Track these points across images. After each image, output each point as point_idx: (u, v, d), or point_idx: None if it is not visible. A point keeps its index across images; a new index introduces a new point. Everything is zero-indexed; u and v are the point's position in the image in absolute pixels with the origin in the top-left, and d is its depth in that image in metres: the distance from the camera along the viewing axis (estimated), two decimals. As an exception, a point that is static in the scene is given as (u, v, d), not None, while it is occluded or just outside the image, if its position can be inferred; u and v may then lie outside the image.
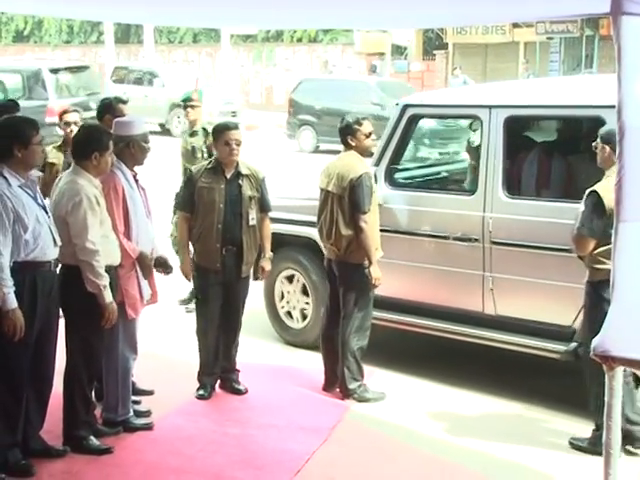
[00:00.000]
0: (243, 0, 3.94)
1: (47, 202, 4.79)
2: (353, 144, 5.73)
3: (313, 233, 6.36)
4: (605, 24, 25.01)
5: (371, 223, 5.67)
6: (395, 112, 6.39)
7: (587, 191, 4.89)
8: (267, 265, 5.93)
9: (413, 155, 7.42)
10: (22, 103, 8.31)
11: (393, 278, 6.00)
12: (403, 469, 4.96)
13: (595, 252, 4.84)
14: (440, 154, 9.45)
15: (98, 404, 5.26)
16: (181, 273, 5.81)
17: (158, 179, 9.44)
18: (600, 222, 4.74)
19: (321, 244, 6.11)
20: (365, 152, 5.88)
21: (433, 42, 32.72)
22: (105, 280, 4.72)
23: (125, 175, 5.12)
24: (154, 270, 5.29)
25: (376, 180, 5.96)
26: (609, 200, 4.75)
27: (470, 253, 5.91)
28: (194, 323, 5.99)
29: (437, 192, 6.41)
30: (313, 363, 6.37)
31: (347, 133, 5.74)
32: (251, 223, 5.71)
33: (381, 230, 5.85)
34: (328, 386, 6.03)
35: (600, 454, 4.90)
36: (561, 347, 5.56)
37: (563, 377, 5.89)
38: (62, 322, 4.90)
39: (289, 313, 6.96)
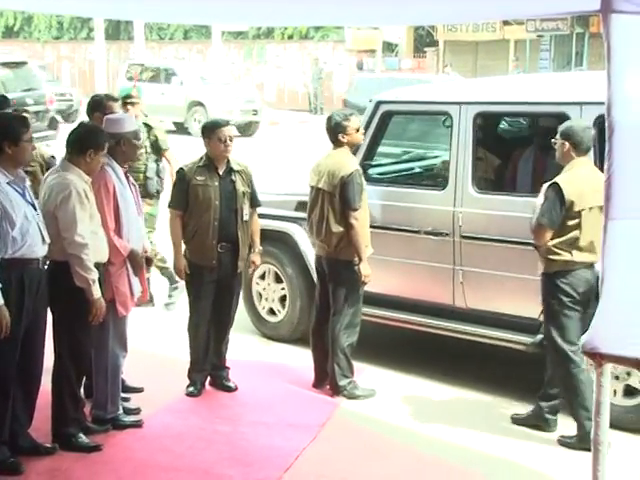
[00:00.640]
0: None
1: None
2: (345, 140, 5.74)
3: (290, 228, 6.54)
4: (595, 22, 25.10)
5: (361, 220, 5.68)
6: (369, 108, 6.46)
7: (547, 184, 5.04)
8: (257, 259, 5.96)
9: (387, 150, 7.50)
10: None
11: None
12: (393, 466, 4.96)
13: (551, 243, 4.99)
14: (413, 150, 9.52)
15: (87, 401, 5.25)
16: (174, 271, 5.80)
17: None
18: (559, 213, 4.92)
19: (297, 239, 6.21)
20: (355, 147, 5.91)
21: (424, 39, 32.77)
22: (94, 275, 4.71)
23: (116, 172, 5.10)
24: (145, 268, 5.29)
25: None
26: (569, 192, 4.90)
27: (441, 247, 6.00)
28: (184, 320, 5.98)
29: (409, 187, 6.48)
30: (303, 360, 6.37)
31: (338, 131, 5.74)
32: (245, 219, 5.74)
33: None
34: (318, 383, 6.03)
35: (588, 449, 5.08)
36: (528, 339, 5.65)
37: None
38: (50, 319, 4.88)
39: (271, 309, 7.01)
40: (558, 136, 5.07)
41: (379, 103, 6.42)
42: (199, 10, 5.01)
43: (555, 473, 4.88)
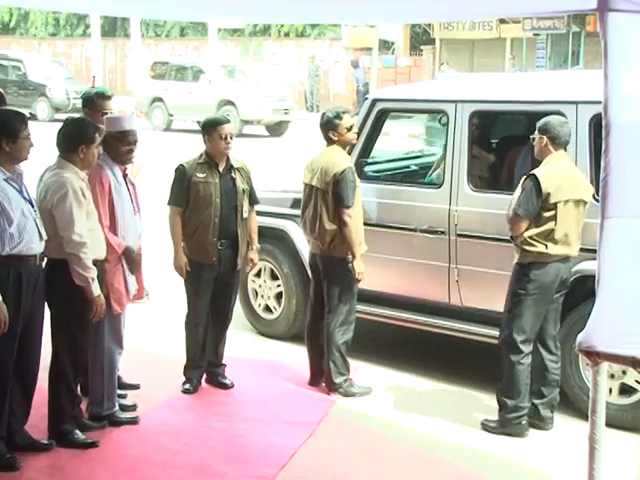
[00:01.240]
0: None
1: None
2: (335, 138, 5.74)
3: (285, 225, 6.58)
4: (592, 21, 25.12)
5: (355, 217, 5.69)
6: (364, 106, 6.48)
7: (524, 176, 5.15)
8: (255, 257, 5.95)
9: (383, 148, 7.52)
10: None
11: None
12: (389, 463, 4.97)
13: (527, 234, 5.09)
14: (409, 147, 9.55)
15: (83, 398, 5.25)
16: (174, 268, 5.79)
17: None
18: (536, 204, 5.03)
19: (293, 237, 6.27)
20: (347, 145, 5.92)
21: (420, 37, 32.75)
22: (93, 273, 4.71)
23: (112, 170, 5.10)
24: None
25: None
26: (546, 185, 5.02)
27: (436, 245, 6.01)
28: (181, 317, 5.98)
29: (405, 185, 6.49)
30: (299, 357, 6.37)
31: (329, 128, 5.75)
32: (244, 216, 5.74)
33: None
34: (314, 381, 6.03)
35: (509, 434, 5.24)
36: None
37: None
38: (48, 316, 4.88)
39: (267, 306, 7.03)
40: (536, 131, 5.18)
41: (375, 101, 6.43)
42: (195, 7, 5.00)
43: (551, 471, 4.90)
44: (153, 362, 6.38)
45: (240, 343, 6.71)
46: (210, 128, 5.70)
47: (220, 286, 5.80)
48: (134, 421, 5.32)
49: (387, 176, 6.92)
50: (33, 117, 23.25)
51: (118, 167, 5.15)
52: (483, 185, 6.15)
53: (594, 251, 4.54)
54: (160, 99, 23.63)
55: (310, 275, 6.14)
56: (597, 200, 5.04)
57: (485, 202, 5.84)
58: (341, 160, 5.72)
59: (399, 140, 9.99)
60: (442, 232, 5.97)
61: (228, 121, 5.81)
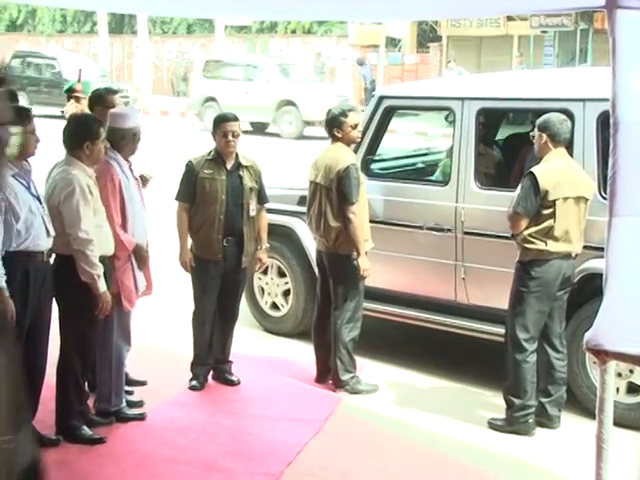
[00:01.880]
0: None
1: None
2: (339, 136, 5.75)
3: (292, 222, 6.59)
4: (599, 18, 25.03)
5: (360, 214, 5.69)
6: (371, 103, 6.48)
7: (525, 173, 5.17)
8: (264, 257, 5.96)
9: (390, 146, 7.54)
10: None
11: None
12: (395, 461, 4.97)
13: (527, 232, 5.11)
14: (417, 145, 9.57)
15: (91, 394, 5.27)
16: (180, 264, 5.80)
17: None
18: (535, 202, 5.04)
19: (299, 234, 6.33)
20: (351, 143, 5.91)
21: (427, 35, 32.69)
22: (99, 270, 4.72)
23: (121, 166, 5.12)
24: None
25: None
26: (544, 182, 5.03)
27: (443, 243, 6.01)
28: (188, 314, 5.99)
29: (412, 183, 6.49)
30: (305, 354, 6.38)
31: (333, 125, 5.75)
32: (251, 214, 5.74)
33: None
34: (320, 378, 6.04)
35: (516, 432, 5.23)
36: None
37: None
38: (56, 312, 4.90)
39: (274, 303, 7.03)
40: (536, 129, 5.19)
41: (382, 98, 6.42)
42: (202, 4, 5.01)
43: (558, 469, 4.89)
44: (160, 359, 6.40)
45: (247, 340, 6.72)
46: (216, 125, 5.71)
47: (226, 283, 5.80)
48: (141, 417, 5.34)
49: (393, 174, 6.92)
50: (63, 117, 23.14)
51: (125, 162, 5.17)
52: (489, 183, 6.16)
53: (600, 249, 4.54)
54: (213, 99, 22.23)
55: (317, 272, 6.14)
56: (603, 197, 5.11)
57: (491, 200, 5.83)
58: (345, 157, 5.72)
59: (406, 137, 9.99)
60: (448, 230, 5.97)
61: (235, 119, 5.79)
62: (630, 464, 4.78)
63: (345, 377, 5.87)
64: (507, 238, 5.56)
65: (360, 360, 6.04)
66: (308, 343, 6.39)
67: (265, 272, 6.94)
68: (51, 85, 25.10)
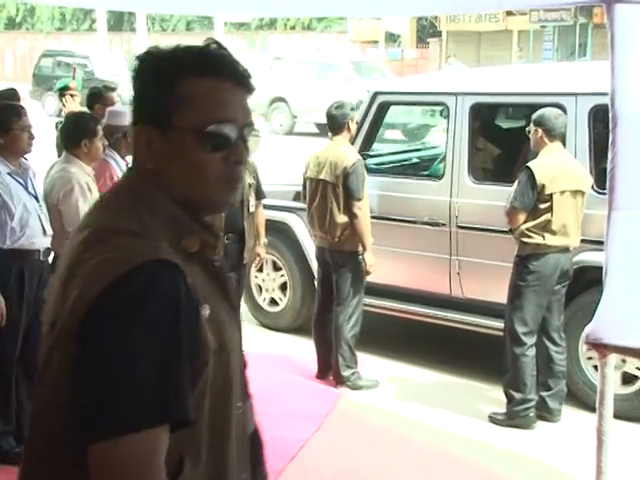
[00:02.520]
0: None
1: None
2: (352, 127, 5.78)
3: (287, 217, 6.63)
4: (599, 12, 25.00)
5: (364, 210, 5.70)
6: (366, 99, 6.49)
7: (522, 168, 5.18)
8: (262, 252, 5.98)
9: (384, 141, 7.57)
10: None
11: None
12: (396, 456, 4.97)
13: (524, 226, 5.12)
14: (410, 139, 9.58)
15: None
16: None
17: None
18: (532, 196, 5.06)
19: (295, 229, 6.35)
20: (351, 138, 5.94)
21: (427, 30, 32.70)
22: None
23: (118, 164, 5.13)
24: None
25: None
26: (541, 176, 5.04)
27: (437, 237, 6.03)
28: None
29: (406, 177, 6.51)
30: (305, 350, 6.38)
31: (347, 117, 5.73)
32: (251, 210, 5.76)
33: None
34: (321, 374, 6.04)
35: (517, 426, 5.23)
36: None
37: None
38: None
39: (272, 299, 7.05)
40: (531, 124, 5.20)
41: (376, 94, 6.45)
42: (202, 0, 5.00)
43: (559, 463, 4.90)
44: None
45: (245, 336, 6.70)
46: None
47: (229, 280, 5.80)
48: (142, 414, 5.32)
49: (388, 168, 6.92)
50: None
51: (122, 161, 5.17)
52: (483, 177, 6.18)
53: (594, 242, 4.54)
54: (282, 99, 21.21)
55: (317, 269, 6.14)
56: (597, 192, 5.13)
57: (485, 194, 5.85)
58: (350, 153, 5.74)
59: (400, 132, 9.98)
60: (443, 224, 5.99)
61: None
62: (630, 457, 4.80)
63: (346, 373, 5.87)
64: (501, 232, 5.57)
65: (361, 356, 6.04)
66: (307, 338, 6.39)
67: (260, 269, 6.94)
68: (84, 85, 24.86)
